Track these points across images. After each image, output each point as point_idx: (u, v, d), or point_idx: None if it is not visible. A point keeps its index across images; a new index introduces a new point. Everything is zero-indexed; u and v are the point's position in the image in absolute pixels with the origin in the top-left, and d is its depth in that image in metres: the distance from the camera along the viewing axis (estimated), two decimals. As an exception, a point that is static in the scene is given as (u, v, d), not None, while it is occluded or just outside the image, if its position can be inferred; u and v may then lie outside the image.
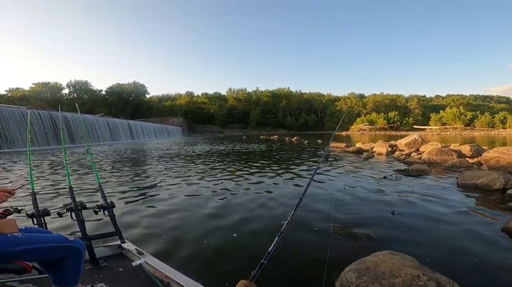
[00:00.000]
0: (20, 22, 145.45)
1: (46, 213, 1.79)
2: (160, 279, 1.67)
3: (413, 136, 11.69)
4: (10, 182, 6.30)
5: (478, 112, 63.04)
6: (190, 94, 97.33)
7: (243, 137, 39.77)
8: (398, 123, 66.05)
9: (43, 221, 1.77)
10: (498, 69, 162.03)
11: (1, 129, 19.58)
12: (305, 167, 7.86)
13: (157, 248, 2.50)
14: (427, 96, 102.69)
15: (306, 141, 21.90)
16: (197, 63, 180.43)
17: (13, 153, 16.37)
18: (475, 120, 58.80)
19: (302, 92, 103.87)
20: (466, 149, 8.56)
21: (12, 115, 20.92)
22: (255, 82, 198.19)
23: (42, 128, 23.05)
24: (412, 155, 9.40)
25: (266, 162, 9.26)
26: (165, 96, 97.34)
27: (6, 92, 64.62)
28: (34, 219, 1.76)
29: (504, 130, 50.76)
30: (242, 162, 9.43)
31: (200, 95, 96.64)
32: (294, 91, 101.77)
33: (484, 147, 8.83)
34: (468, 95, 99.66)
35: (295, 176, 6.48)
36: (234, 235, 2.83)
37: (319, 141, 22.77)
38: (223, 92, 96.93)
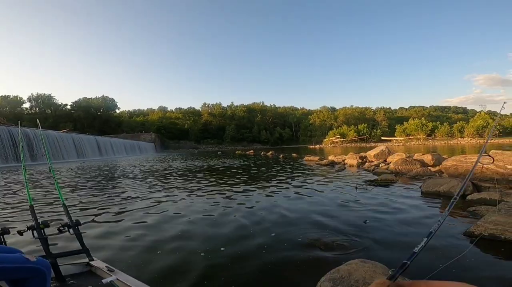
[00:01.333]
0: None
1: (6, 231, 1.71)
2: None
3: (381, 147, 12.27)
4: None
5: (438, 122, 68.07)
6: (163, 109, 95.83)
7: (219, 153, 39.44)
8: (368, 135, 69.31)
9: (2, 240, 1.70)
10: (454, 81, 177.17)
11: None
12: (277, 183, 7.92)
13: (129, 266, 2.42)
14: (392, 108, 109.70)
15: (281, 155, 22.20)
16: (170, 77, 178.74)
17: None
18: (436, 130, 63.36)
19: (277, 106, 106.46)
20: (428, 158, 9.15)
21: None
22: (230, 97, 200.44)
23: (0, 144, 21.28)
24: (380, 165, 9.86)
25: (243, 178, 9.24)
26: (137, 111, 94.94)
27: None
28: None
29: (462, 139, 55.12)
30: (218, 179, 9.32)
31: (173, 110, 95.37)
32: (268, 105, 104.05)
33: (444, 156, 9.48)
34: (428, 107, 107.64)
35: (267, 189, 6.50)
36: (208, 254, 2.75)
37: (294, 155, 23.19)
38: (198, 107, 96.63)
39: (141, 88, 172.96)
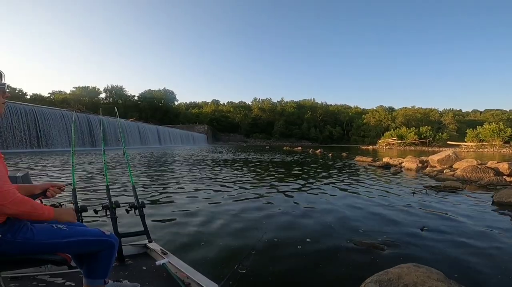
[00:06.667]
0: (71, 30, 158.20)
1: (84, 209, 1.88)
2: (181, 280, 1.70)
3: (447, 152, 11.09)
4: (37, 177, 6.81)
5: (519, 128, 58.02)
6: (216, 103, 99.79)
7: (266, 147, 39.85)
8: (431, 139, 62.57)
9: (80, 217, 1.86)
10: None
11: (43, 129, 21.20)
12: (324, 181, 7.73)
13: (181, 250, 2.53)
14: (464, 111, 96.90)
15: (330, 154, 21.47)
16: (224, 72, 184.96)
17: (52, 152, 17.66)
18: (516, 136, 54.14)
19: (328, 104, 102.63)
20: (504, 167, 7.99)
21: (54, 117, 22.63)
22: (281, 92, 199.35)
23: (80, 130, 24.78)
24: (444, 171, 8.91)
25: (292, 172, 9.23)
26: (192, 104, 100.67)
27: (49, 95, 70.14)
28: None
29: (550, 149, 46.20)
30: (267, 172, 9.47)
31: (225, 104, 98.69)
32: (319, 102, 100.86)
33: (526, 166, 8.17)
34: (508, 110, 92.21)
35: (314, 187, 6.40)
36: (258, 242, 2.77)
37: (344, 154, 22.22)
38: (248, 101, 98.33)
39: (197, 82, 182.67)
